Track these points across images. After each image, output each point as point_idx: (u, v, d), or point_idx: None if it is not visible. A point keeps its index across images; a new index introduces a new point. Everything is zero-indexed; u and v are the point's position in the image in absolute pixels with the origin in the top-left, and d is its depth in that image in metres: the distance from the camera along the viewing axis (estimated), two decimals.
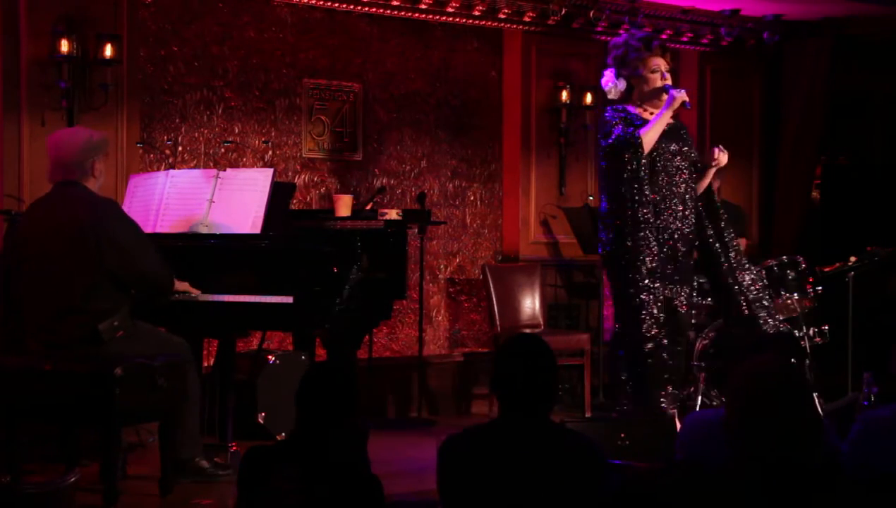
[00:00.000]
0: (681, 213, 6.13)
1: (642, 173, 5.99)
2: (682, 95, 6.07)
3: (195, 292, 5.64)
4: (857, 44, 9.54)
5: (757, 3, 8.91)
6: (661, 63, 6.15)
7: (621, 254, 6.04)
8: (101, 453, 5.25)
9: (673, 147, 6.13)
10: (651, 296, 5.99)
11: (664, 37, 8.34)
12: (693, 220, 6.20)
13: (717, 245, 6.28)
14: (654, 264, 6.01)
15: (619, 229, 6.05)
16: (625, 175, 6.00)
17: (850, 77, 9.78)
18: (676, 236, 6.13)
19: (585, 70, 8.82)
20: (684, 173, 6.16)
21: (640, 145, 5.98)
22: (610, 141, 6.02)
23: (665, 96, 6.11)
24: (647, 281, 5.99)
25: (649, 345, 5.99)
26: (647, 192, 6.01)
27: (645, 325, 5.99)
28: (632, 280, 6.01)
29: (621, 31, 6.49)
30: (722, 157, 6.24)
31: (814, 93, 9.53)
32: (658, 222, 6.05)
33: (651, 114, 6.12)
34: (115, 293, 5.33)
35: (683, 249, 6.16)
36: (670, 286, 6.11)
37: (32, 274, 5.36)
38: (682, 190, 6.14)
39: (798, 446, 2.79)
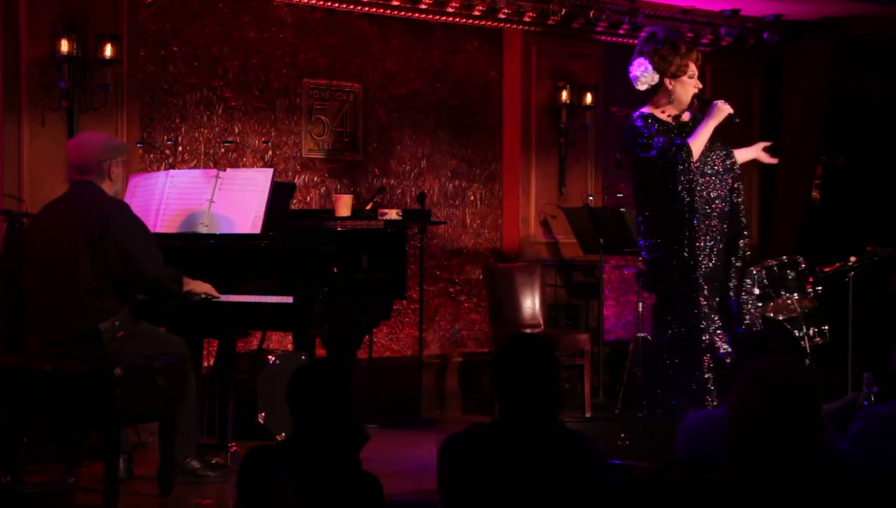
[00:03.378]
0: (719, 215, 6.09)
1: (693, 183, 5.97)
2: (727, 107, 6.04)
3: (216, 295, 5.63)
4: (857, 44, 9.54)
5: (757, 3, 8.91)
6: (695, 69, 6.10)
7: (676, 263, 5.98)
8: (102, 453, 5.25)
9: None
10: (709, 303, 5.97)
11: None
12: (727, 222, 6.15)
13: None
14: (708, 270, 5.99)
15: (670, 238, 5.99)
16: (678, 187, 5.95)
17: (850, 77, 9.79)
18: (719, 238, 6.09)
19: (585, 70, 8.82)
20: (720, 176, 6.12)
21: (691, 154, 5.94)
22: (653, 153, 5.95)
23: (697, 103, 6.09)
24: (705, 289, 5.97)
25: (708, 353, 5.97)
26: (696, 200, 5.98)
27: (706, 336, 5.95)
28: (690, 289, 5.97)
29: (647, 29, 6.40)
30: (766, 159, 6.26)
31: (814, 93, 9.53)
32: (705, 227, 6.03)
33: (675, 116, 6.09)
34: (118, 292, 5.34)
35: (725, 250, 6.12)
36: (722, 288, 6.09)
37: (38, 268, 5.37)
38: (720, 194, 6.10)
39: (800, 447, 2.79)
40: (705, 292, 5.99)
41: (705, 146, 6.06)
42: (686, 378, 6.02)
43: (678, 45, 6.05)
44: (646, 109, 6.11)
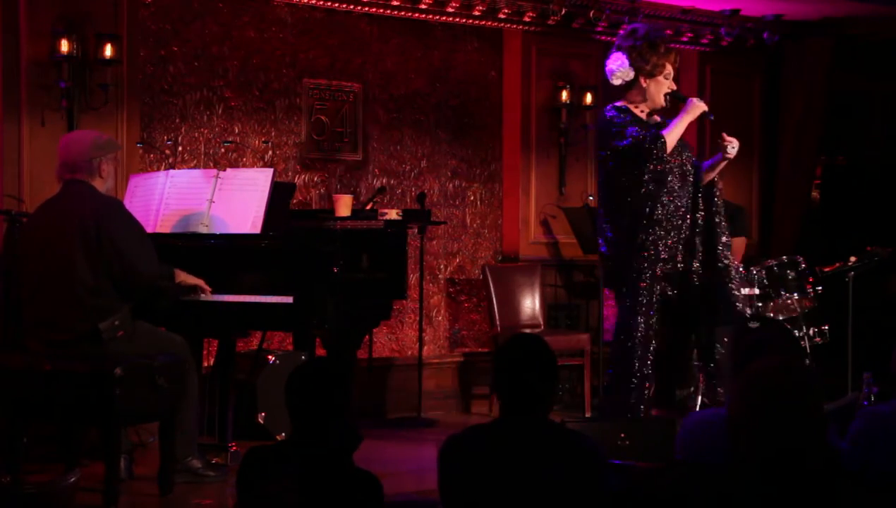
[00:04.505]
0: (682, 214, 6.09)
1: (662, 175, 5.95)
2: (702, 105, 6.03)
3: (207, 289, 5.63)
4: (857, 44, 9.54)
5: (757, 3, 8.91)
6: (671, 69, 6.10)
7: (632, 252, 5.97)
8: (102, 453, 5.25)
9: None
10: (650, 299, 5.96)
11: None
12: (689, 222, 6.15)
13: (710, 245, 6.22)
14: (660, 265, 5.98)
15: (630, 229, 5.98)
16: (646, 176, 5.93)
17: (850, 77, 9.79)
18: (681, 236, 6.09)
19: (585, 70, 8.82)
20: (685, 176, 6.11)
21: (665, 145, 5.93)
22: (626, 142, 5.93)
23: (669, 103, 6.08)
24: (650, 283, 5.96)
25: (638, 347, 5.97)
26: (663, 193, 5.97)
27: (641, 328, 5.96)
28: (637, 280, 5.97)
29: (628, 24, 6.39)
30: (731, 149, 6.13)
31: (814, 93, 9.53)
32: (666, 224, 6.02)
33: (650, 115, 6.09)
34: (117, 291, 5.34)
35: (684, 251, 6.12)
36: (671, 288, 6.09)
37: (36, 268, 5.37)
38: (683, 192, 6.10)
39: (802, 447, 2.79)
40: (653, 289, 5.98)
41: (676, 147, 6.05)
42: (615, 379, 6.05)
43: (657, 44, 6.06)
44: (619, 103, 6.11)
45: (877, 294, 9.03)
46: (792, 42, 9.53)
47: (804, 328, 7.72)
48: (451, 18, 8.28)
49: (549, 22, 8.49)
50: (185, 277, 5.57)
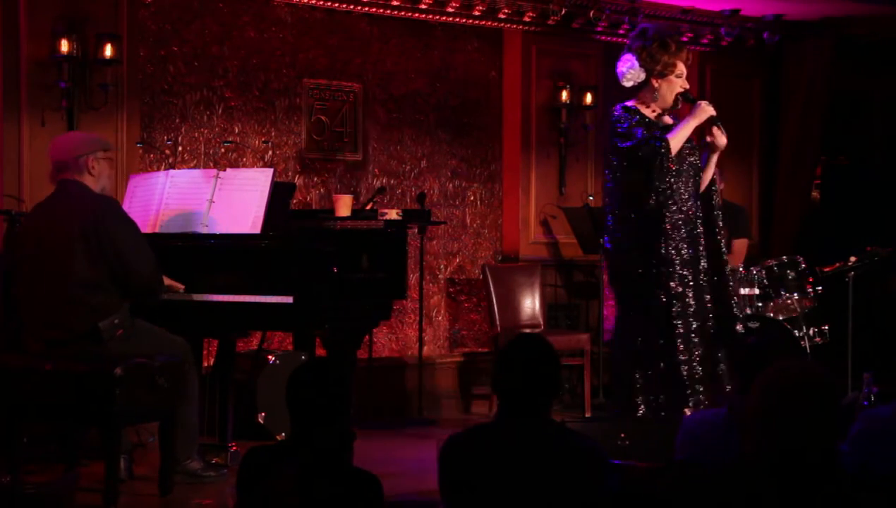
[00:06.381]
0: (692, 214, 5.97)
1: (669, 180, 5.85)
2: (710, 109, 5.90)
3: (180, 287, 5.64)
4: (857, 44, 9.55)
5: (757, 3, 8.91)
6: (684, 68, 6.00)
7: (646, 262, 5.86)
8: (102, 453, 5.25)
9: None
10: (683, 305, 5.83)
11: None
12: (701, 222, 6.05)
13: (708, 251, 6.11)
14: (681, 269, 5.86)
15: (641, 235, 5.85)
16: (654, 182, 5.78)
17: (850, 77, 9.80)
18: (694, 235, 5.96)
19: (585, 70, 8.82)
20: (694, 179, 6.01)
21: (669, 150, 5.82)
22: (632, 143, 5.82)
23: (682, 103, 6.01)
24: (679, 289, 5.82)
25: (683, 356, 5.83)
26: (673, 198, 5.87)
27: (681, 338, 5.82)
28: (664, 287, 5.83)
29: (638, 25, 6.30)
30: (720, 137, 6.03)
31: (814, 94, 9.53)
32: (679, 226, 5.89)
33: (659, 115, 6.00)
34: (115, 290, 5.33)
35: (698, 251, 5.99)
36: (693, 292, 5.95)
37: (32, 268, 5.36)
38: (691, 191, 5.99)
39: (816, 449, 2.79)
40: (678, 291, 5.86)
41: (684, 150, 5.95)
42: (662, 380, 5.90)
43: (668, 43, 5.96)
44: (630, 103, 6.02)
45: (877, 294, 9.04)
46: (792, 42, 9.53)
47: (804, 328, 7.73)
48: (450, 18, 8.28)
49: (549, 22, 8.49)
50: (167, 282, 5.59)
